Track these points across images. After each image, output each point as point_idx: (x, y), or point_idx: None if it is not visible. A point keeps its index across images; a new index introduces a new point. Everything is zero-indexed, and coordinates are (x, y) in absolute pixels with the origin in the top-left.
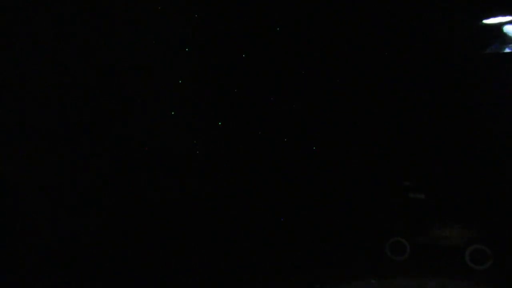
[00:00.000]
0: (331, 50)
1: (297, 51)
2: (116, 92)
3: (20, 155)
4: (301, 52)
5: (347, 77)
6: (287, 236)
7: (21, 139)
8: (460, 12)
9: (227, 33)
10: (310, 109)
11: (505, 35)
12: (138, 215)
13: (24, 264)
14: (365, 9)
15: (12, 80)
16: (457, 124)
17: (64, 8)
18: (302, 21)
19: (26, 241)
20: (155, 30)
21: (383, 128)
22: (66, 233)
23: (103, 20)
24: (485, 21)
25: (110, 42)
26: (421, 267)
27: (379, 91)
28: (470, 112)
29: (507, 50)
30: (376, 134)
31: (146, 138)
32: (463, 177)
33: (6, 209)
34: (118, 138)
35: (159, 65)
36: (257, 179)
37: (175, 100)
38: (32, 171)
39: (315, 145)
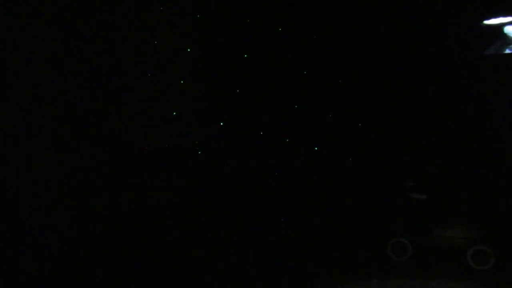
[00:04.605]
0: (332, 50)
1: (299, 51)
2: (117, 92)
3: (20, 155)
4: (303, 52)
5: (349, 77)
6: (288, 236)
7: (20, 139)
8: (460, 13)
9: (229, 33)
10: (311, 109)
11: (505, 36)
12: (139, 215)
13: (23, 265)
14: (365, 9)
15: (11, 80)
16: (458, 125)
17: (63, 8)
18: (304, 21)
19: (25, 241)
20: (157, 30)
21: (385, 128)
22: (66, 233)
23: (104, 20)
24: (485, 22)
25: (111, 42)
26: (423, 268)
27: (379, 91)
28: (471, 113)
29: (507, 51)
30: (378, 134)
31: (147, 138)
32: (465, 177)
33: (5, 209)
34: (119, 138)
35: (160, 65)
36: (257, 179)
37: (177, 101)
38: (32, 171)
39: (317, 145)
